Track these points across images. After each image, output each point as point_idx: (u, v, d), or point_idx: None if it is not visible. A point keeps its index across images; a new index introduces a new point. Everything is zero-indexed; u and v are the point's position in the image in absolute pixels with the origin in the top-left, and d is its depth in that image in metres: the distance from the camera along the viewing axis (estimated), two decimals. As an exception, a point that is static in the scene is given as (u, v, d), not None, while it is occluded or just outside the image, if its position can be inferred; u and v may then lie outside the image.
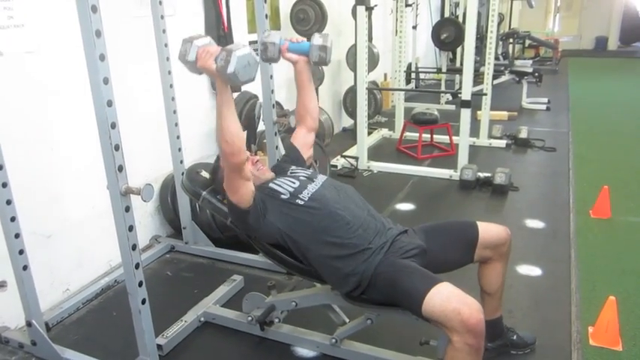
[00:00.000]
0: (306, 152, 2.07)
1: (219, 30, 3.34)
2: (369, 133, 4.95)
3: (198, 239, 2.91)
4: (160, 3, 2.49)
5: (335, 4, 4.96)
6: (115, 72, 1.49)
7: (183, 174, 2.47)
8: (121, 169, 1.51)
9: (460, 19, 7.09)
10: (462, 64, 5.36)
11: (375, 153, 4.72)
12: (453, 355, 1.44)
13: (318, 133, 3.24)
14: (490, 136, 5.07)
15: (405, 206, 3.60)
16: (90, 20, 1.37)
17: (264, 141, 2.86)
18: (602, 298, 2.16)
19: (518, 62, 7.58)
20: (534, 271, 2.65)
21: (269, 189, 1.81)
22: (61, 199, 2.44)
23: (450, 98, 6.60)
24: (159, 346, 1.99)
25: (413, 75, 6.97)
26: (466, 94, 3.86)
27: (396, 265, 1.64)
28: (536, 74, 6.53)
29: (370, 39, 4.91)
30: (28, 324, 2.01)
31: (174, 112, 2.66)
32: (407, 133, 4.96)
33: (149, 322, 1.73)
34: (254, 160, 1.91)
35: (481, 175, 3.86)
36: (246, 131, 3.24)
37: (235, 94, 3.31)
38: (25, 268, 1.92)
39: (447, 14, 7.53)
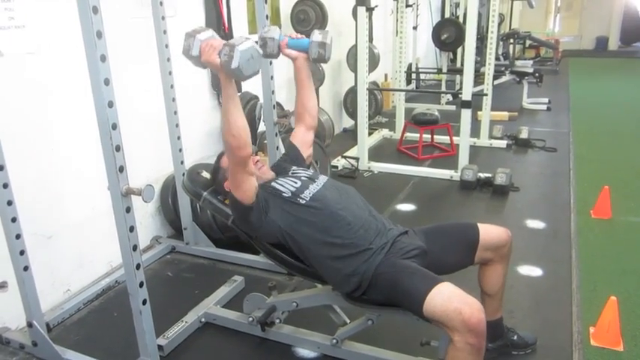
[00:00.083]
0: (306, 151, 2.07)
1: (219, 31, 3.35)
2: (370, 134, 4.95)
3: (199, 240, 2.91)
4: (161, 4, 2.50)
5: (335, 5, 4.96)
6: (116, 73, 1.49)
7: (184, 174, 2.47)
8: (121, 169, 1.51)
9: (461, 20, 7.10)
10: (462, 64, 5.39)
11: (376, 153, 4.72)
12: (454, 355, 1.44)
13: (319, 134, 3.23)
14: (491, 137, 5.07)
15: (406, 207, 3.59)
16: (91, 21, 1.37)
17: (265, 142, 2.86)
18: (603, 299, 2.16)
19: (518, 62, 7.60)
20: (535, 271, 2.65)
21: (271, 187, 1.82)
22: (62, 199, 2.44)
23: (451, 99, 6.61)
24: (160, 347, 1.99)
25: (413, 75, 6.97)
26: (467, 95, 3.86)
27: (396, 265, 1.64)
28: (537, 74, 6.53)
29: (371, 39, 4.91)
30: (29, 325, 2.01)
31: (175, 112, 2.66)
32: (407, 134, 4.96)
33: (150, 323, 1.73)
34: (254, 160, 1.91)
35: (482, 175, 3.86)
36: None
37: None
38: (25, 268, 1.92)
39: (447, 15, 7.54)
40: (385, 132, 5.49)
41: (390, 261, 1.66)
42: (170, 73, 2.59)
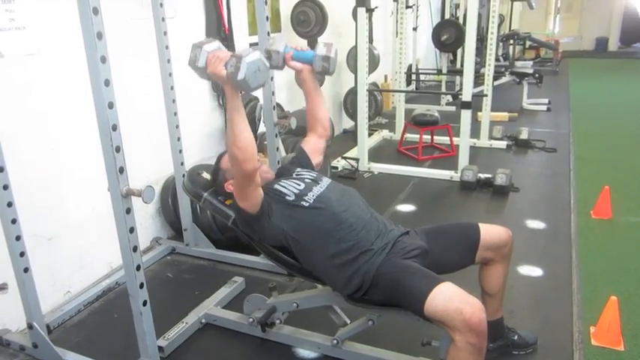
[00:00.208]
0: (316, 158, 2.04)
1: (220, 32, 3.34)
2: (370, 135, 4.95)
3: (199, 241, 2.91)
4: (161, 5, 2.50)
5: (335, 6, 4.96)
6: (116, 74, 1.49)
7: (184, 175, 2.47)
8: (121, 170, 1.51)
9: (460, 21, 7.11)
10: (462, 65, 5.39)
11: (376, 154, 4.72)
12: (455, 355, 1.44)
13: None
14: (491, 137, 5.07)
15: (406, 207, 3.59)
16: (91, 22, 1.37)
17: (265, 143, 2.86)
18: (603, 298, 2.16)
19: (518, 63, 7.62)
20: (535, 271, 2.65)
21: (274, 190, 1.81)
22: (62, 201, 2.44)
23: (451, 99, 6.61)
24: (160, 348, 1.99)
25: (413, 76, 6.97)
26: (467, 96, 3.86)
27: (397, 265, 1.64)
28: (537, 75, 6.54)
29: (371, 40, 4.91)
30: (30, 326, 2.00)
31: (175, 113, 2.66)
32: (407, 135, 4.96)
33: (150, 324, 1.73)
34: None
35: (482, 176, 3.86)
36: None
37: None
38: (26, 270, 1.92)
39: (447, 16, 7.55)
40: (385, 133, 5.49)
41: (391, 261, 1.66)
42: (170, 74, 2.59)
